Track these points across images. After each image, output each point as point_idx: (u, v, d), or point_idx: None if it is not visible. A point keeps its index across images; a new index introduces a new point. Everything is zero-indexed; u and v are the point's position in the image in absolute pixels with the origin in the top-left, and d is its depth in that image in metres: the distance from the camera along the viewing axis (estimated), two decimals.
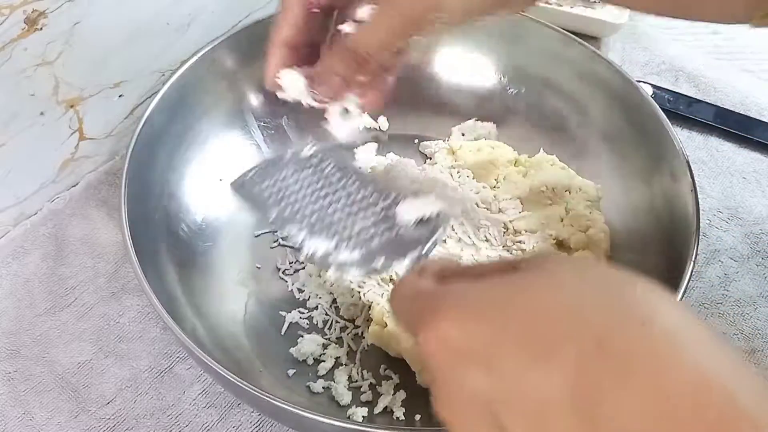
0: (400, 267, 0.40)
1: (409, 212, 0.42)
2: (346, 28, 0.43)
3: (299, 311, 0.56)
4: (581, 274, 0.27)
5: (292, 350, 0.53)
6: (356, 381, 0.52)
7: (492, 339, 0.26)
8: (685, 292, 0.46)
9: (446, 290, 0.29)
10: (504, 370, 0.25)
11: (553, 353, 0.24)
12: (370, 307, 0.54)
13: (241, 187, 0.48)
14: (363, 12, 0.43)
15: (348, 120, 0.47)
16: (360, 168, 0.49)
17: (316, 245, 0.43)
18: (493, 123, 0.66)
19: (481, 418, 0.26)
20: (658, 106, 0.56)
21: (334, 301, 0.56)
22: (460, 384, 0.26)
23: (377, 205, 0.44)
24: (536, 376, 0.24)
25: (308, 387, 0.52)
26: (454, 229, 0.56)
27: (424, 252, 0.40)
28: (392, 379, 0.52)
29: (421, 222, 0.42)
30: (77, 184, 0.64)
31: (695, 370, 0.23)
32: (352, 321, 0.55)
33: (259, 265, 0.58)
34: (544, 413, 0.24)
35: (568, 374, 0.24)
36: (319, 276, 0.57)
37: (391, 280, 0.55)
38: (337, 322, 0.55)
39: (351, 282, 0.55)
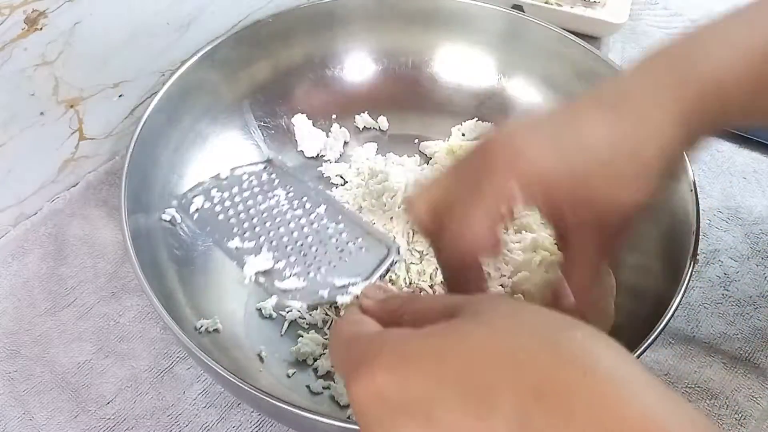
0: (345, 299, 0.40)
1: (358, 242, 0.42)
2: None
3: (299, 311, 0.56)
4: (519, 319, 0.27)
5: (292, 350, 0.53)
6: None
7: (429, 391, 0.25)
8: (684, 292, 0.46)
9: (383, 338, 0.28)
10: (442, 424, 0.24)
11: (493, 405, 0.24)
12: None
13: (181, 206, 0.47)
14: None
15: (316, 133, 0.45)
16: (316, 187, 0.48)
17: (258, 263, 0.42)
18: (493, 123, 0.66)
19: None
20: None
21: (335, 301, 0.56)
22: None
23: (327, 228, 0.43)
24: (476, 429, 0.24)
25: (308, 387, 0.52)
26: None
27: (372, 281, 0.39)
28: None
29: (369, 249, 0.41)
30: (77, 184, 0.64)
31: (638, 412, 0.23)
32: None
33: None
34: None
35: (509, 425, 0.23)
36: None
37: (390, 280, 0.55)
38: None
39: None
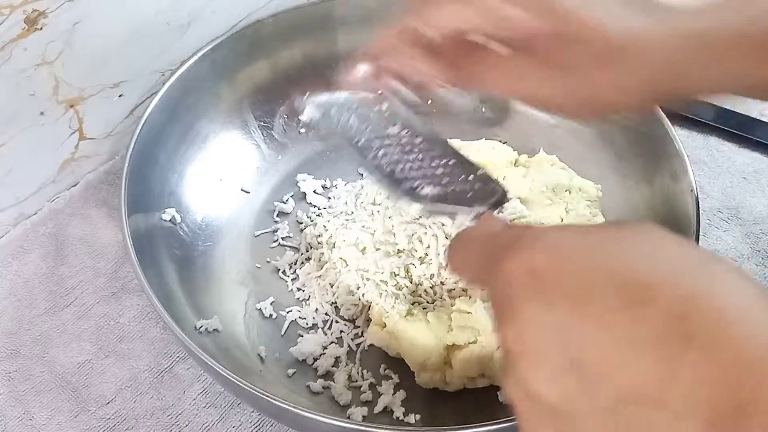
0: (466, 217, 0.40)
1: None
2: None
3: (299, 311, 0.56)
4: (669, 238, 0.28)
5: (292, 350, 0.53)
6: (356, 381, 0.52)
7: (584, 277, 0.26)
8: None
9: (540, 229, 0.29)
10: (592, 309, 0.25)
11: (646, 304, 0.25)
12: (370, 307, 0.54)
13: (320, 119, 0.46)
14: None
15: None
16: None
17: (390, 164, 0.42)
18: (494, 123, 0.66)
19: (555, 351, 0.26)
20: (658, 106, 0.56)
21: (335, 301, 0.56)
22: (540, 315, 0.26)
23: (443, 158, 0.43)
24: (624, 320, 0.25)
25: (308, 387, 0.52)
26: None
27: (493, 202, 0.39)
28: (392, 379, 0.52)
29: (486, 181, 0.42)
30: (77, 184, 0.64)
31: (752, 348, 0.23)
32: (352, 321, 0.55)
33: (259, 265, 0.58)
34: (626, 354, 0.25)
35: (656, 325, 0.24)
36: (319, 276, 0.57)
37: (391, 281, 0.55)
38: (336, 322, 0.55)
39: (350, 284, 0.55)
